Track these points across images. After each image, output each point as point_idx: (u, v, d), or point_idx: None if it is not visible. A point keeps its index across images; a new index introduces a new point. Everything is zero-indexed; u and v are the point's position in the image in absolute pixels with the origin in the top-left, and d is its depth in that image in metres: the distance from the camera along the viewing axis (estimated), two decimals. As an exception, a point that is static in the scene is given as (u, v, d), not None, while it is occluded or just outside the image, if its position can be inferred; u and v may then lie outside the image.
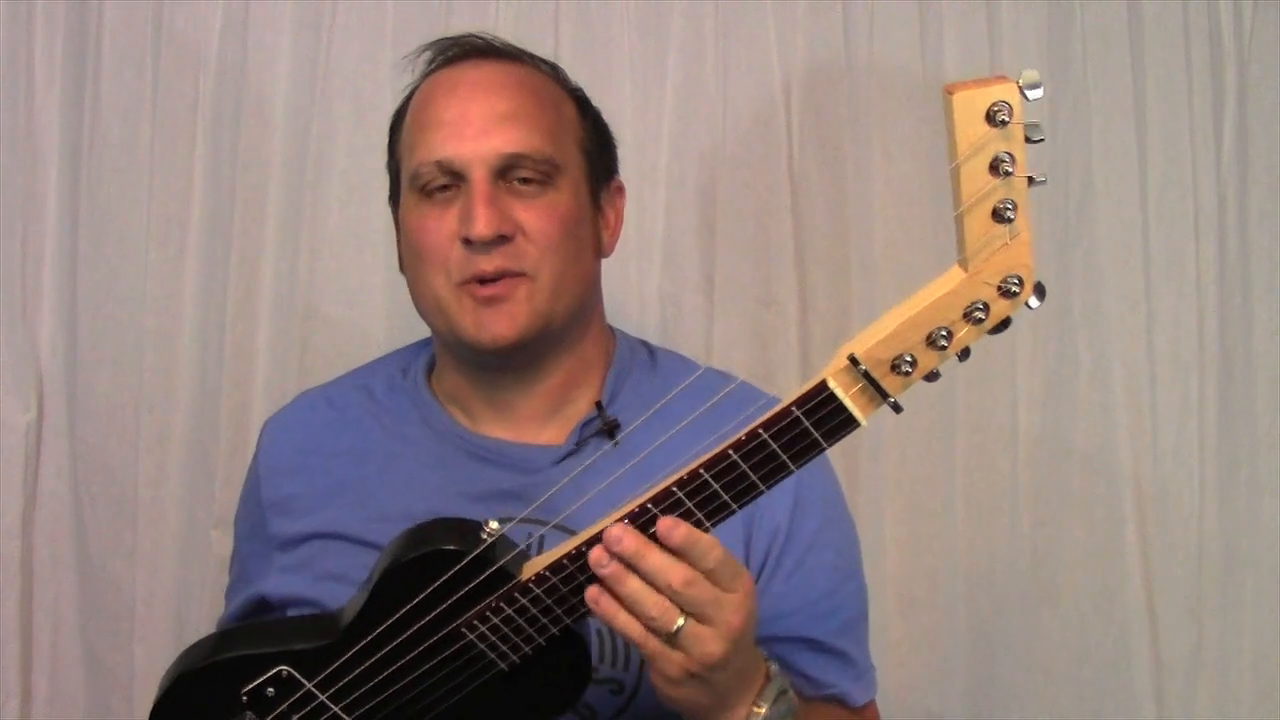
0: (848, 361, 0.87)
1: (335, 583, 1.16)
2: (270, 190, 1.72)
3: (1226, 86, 1.74)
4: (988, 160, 0.81)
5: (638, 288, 1.71)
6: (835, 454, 1.34)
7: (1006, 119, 0.80)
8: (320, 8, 1.71)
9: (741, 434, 0.90)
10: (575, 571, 0.96)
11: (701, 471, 0.92)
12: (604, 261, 1.27)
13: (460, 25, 1.62)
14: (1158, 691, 1.73)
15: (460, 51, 1.23)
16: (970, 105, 0.80)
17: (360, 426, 1.27)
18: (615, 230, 1.27)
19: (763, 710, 1.01)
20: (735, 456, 0.91)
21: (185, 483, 1.73)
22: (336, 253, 1.73)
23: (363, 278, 1.72)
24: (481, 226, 1.12)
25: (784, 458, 0.91)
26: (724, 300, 1.71)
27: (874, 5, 1.71)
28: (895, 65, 1.71)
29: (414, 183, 1.18)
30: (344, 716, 1.06)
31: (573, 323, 1.20)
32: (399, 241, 1.25)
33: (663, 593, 0.93)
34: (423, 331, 1.30)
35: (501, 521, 1.00)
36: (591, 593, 0.95)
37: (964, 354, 0.88)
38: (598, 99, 1.29)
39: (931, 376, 0.88)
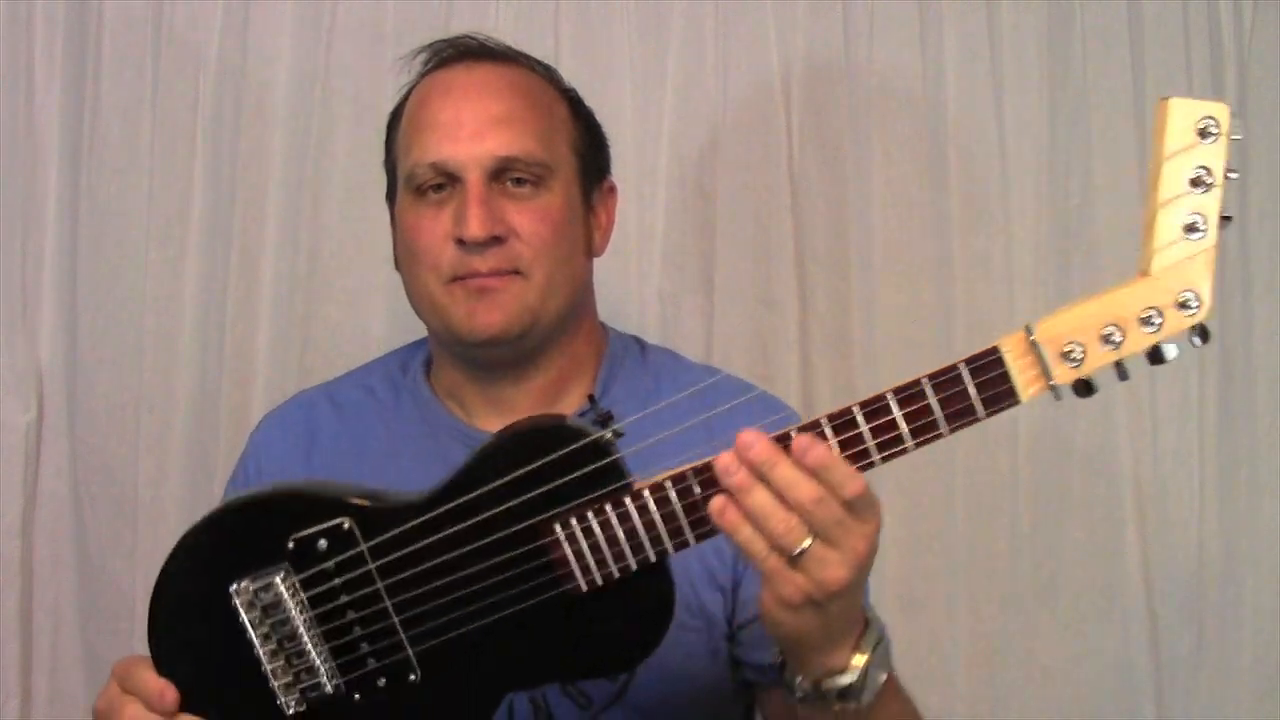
0: (1023, 332, 0.88)
1: None
2: (270, 190, 1.72)
3: (1226, 86, 1.73)
4: (1190, 169, 0.84)
5: (638, 288, 1.72)
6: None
7: (1215, 133, 0.83)
8: (320, 8, 1.72)
9: (907, 380, 0.89)
10: (696, 485, 0.91)
11: (855, 409, 0.89)
12: (604, 261, 1.29)
13: (460, 25, 1.62)
14: (1158, 691, 1.73)
15: (455, 53, 1.25)
16: (1185, 112, 0.83)
17: (361, 423, 1.28)
18: (607, 231, 1.29)
19: (865, 657, 0.97)
20: (892, 401, 0.89)
21: (185, 483, 1.73)
22: (336, 253, 1.73)
23: (363, 278, 1.72)
24: (475, 228, 1.14)
25: (938, 414, 0.89)
26: (724, 300, 1.71)
27: (874, 5, 1.71)
28: (895, 65, 1.71)
29: (409, 183, 1.20)
30: (385, 599, 0.96)
31: (564, 321, 1.22)
32: (394, 239, 1.27)
33: (792, 510, 0.88)
34: (423, 331, 1.30)
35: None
36: (717, 503, 0.89)
37: (1123, 373, 0.90)
38: (598, 99, 1.30)
39: (1084, 389, 0.89)
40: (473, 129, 1.16)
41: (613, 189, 1.30)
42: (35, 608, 1.74)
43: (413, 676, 0.97)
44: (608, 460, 0.91)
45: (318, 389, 1.35)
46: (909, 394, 0.88)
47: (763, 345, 1.72)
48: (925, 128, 1.71)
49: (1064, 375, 0.88)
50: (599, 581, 0.93)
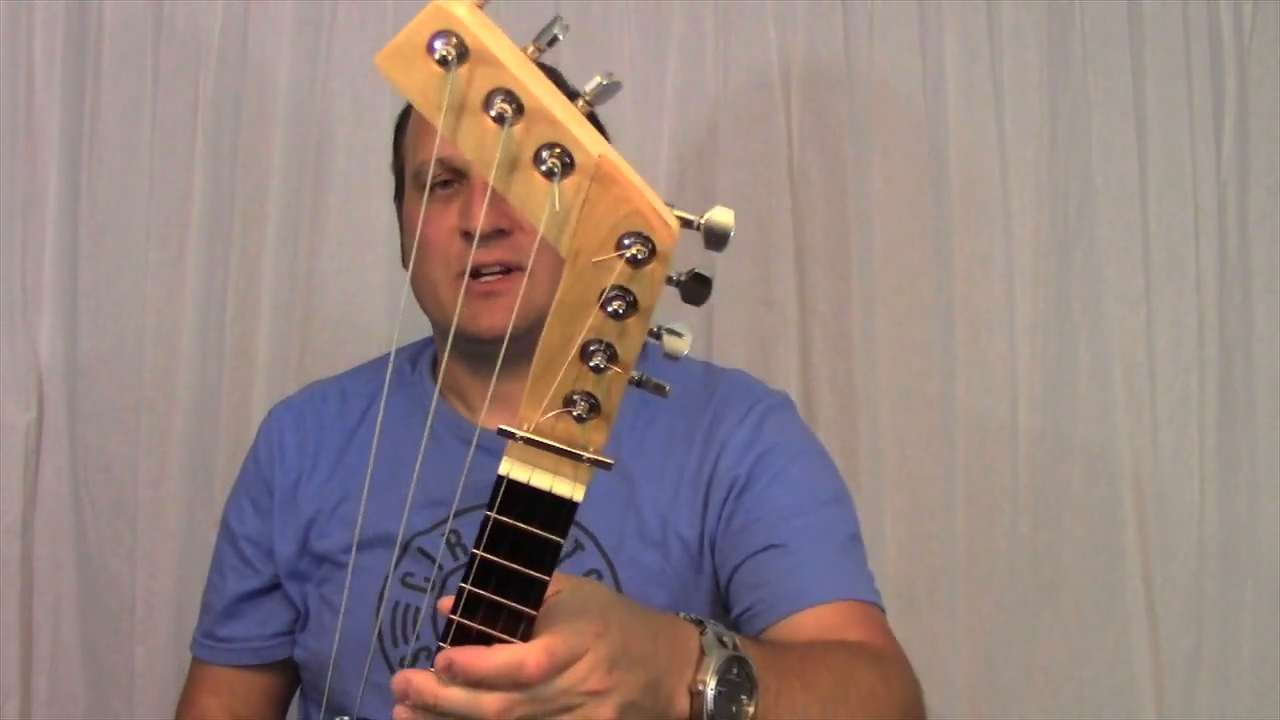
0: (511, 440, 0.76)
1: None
2: (270, 190, 1.72)
3: (1226, 86, 1.74)
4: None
5: (637, 287, 1.71)
6: (834, 452, 1.35)
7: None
8: (320, 7, 1.71)
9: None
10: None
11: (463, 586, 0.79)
12: (604, 261, 1.28)
13: (460, 25, 1.62)
14: (1158, 691, 1.73)
15: None
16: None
17: (365, 419, 1.31)
18: None
19: (709, 684, 0.88)
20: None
21: (185, 483, 1.73)
22: (336, 253, 1.73)
23: (363, 278, 1.72)
24: (480, 220, 1.16)
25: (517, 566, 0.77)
26: (724, 300, 1.71)
27: (874, 5, 1.71)
28: (895, 65, 1.71)
29: (417, 179, 1.23)
30: None
31: None
32: (402, 237, 1.29)
33: None
34: (423, 330, 1.31)
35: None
36: None
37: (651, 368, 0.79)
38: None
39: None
40: None
41: None
42: (35, 608, 1.74)
43: None
44: None
45: (331, 381, 1.38)
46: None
47: (763, 345, 1.72)
48: (925, 128, 1.71)
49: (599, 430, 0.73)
50: None
